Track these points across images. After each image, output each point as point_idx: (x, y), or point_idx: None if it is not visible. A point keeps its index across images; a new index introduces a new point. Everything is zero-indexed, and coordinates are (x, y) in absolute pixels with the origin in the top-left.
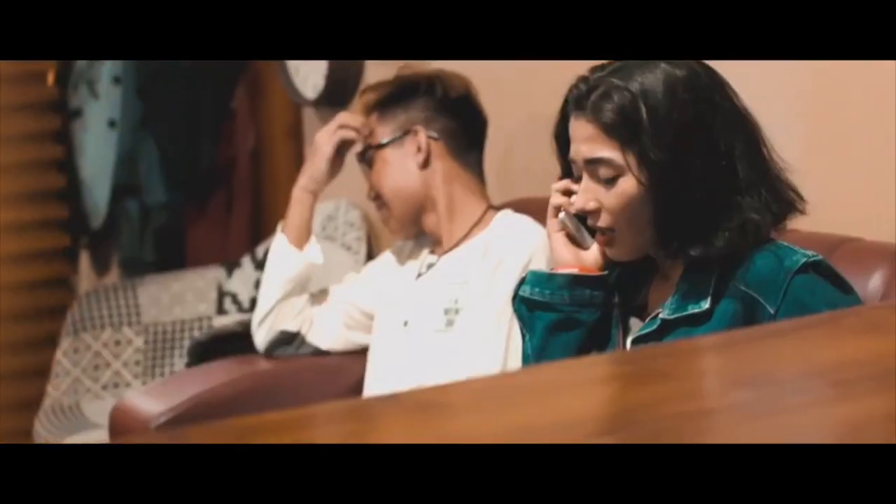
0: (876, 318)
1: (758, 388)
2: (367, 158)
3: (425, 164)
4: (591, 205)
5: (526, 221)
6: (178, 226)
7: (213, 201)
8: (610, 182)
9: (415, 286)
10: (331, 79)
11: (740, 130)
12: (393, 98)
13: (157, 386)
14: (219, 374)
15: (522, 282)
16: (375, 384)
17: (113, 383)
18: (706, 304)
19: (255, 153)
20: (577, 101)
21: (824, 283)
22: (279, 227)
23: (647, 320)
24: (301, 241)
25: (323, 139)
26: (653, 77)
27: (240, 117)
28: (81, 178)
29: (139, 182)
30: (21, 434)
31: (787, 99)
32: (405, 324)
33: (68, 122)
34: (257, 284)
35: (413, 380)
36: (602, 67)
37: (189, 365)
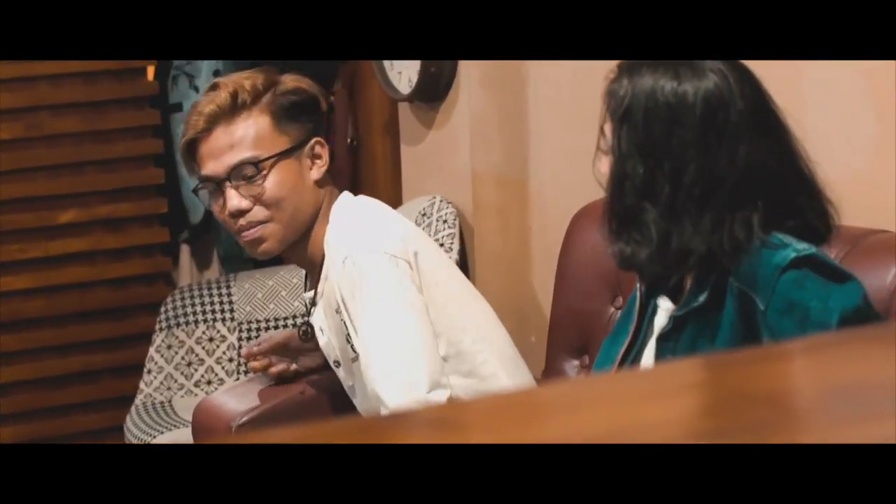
0: None
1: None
2: (257, 170)
3: (321, 179)
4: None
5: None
6: None
7: None
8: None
9: (316, 322)
10: (424, 74)
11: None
12: (295, 106)
13: (241, 385)
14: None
15: None
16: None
17: (206, 380)
18: (703, 298)
19: (352, 147)
20: None
21: (815, 278)
22: None
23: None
24: None
25: None
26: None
27: (338, 111)
28: (181, 172)
29: None
30: (115, 431)
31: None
32: (336, 364)
33: (168, 117)
34: None
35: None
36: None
37: None
